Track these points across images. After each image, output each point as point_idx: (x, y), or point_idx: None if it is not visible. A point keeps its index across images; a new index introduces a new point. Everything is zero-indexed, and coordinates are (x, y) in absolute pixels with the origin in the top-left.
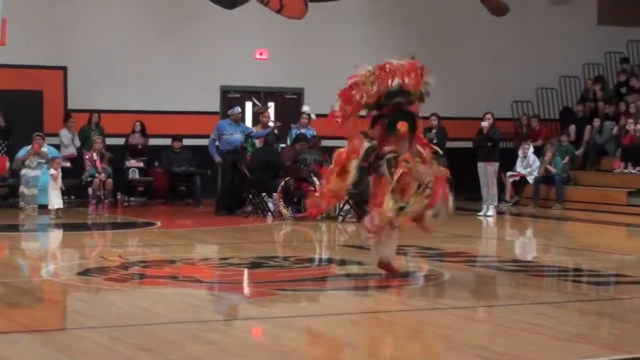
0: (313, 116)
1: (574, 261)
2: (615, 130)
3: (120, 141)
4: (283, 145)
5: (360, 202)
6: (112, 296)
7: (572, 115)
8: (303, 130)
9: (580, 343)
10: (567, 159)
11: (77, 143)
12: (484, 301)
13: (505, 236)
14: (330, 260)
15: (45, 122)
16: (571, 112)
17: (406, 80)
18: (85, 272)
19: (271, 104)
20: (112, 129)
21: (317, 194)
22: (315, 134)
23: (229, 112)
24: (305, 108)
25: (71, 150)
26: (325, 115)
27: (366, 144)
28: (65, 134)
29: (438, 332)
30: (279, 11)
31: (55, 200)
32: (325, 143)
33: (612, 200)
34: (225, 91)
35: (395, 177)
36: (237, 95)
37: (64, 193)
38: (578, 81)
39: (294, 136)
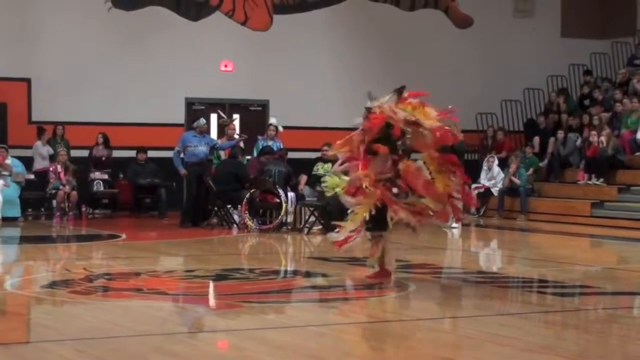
0: (280, 128)
1: (538, 272)
2: (579, 142)
3: (85, 153)
4: (249, 157)
5: (328, 214)
6: (77, 309)
7: (536, 127)
8: (270, 143)
9: (545, 354)
10: (531, 170)
11: (51, 151)
12: (449, 312)
13: (470, 248)
14: (295, 272)
15: (9, 135)
16: (535, 124)
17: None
18: (50, 285)
19: (236, 116)
20: (77, 140)
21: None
22: (282, 146)
23: (194, 124)
24: (273, 120)
25: (46, 163)
26: (291, 127)
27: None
28: (40, 146)
29: (404, 343)
30: (244, 23)
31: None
32: (292, 155)
33: (576, 211)
34: (190, 103)
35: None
36: (202, 107)
37: (29, 205)
38: (542, 93)
39: (260, 148)
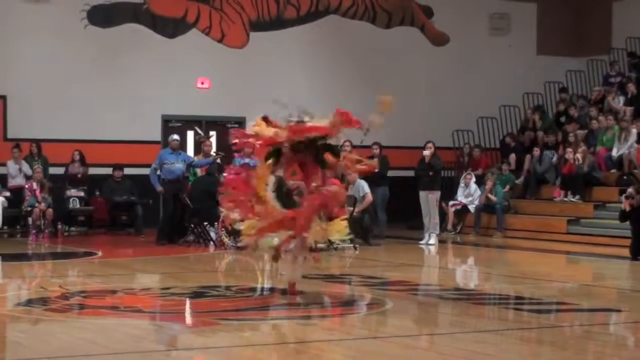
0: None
1: (515, 289)
2: (554, 159)
3: (61, 170)
4: (226, 174)
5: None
6: (53, 327)
7: (511, 145)
8: (247, 160)
9: None
10: (507, 187)
11: (29, 172)
12: (426, 330)
13: (447, 264)
14: (272, 289)
15: None
16: (510, 142)
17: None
18: (26, 303)
19: (213, 133)
20: (53, 158)
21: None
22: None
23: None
24: None
25: (18, 181)
26: None
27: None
28: (11, 165)
29: None
30: (220, 40)
31: None
32: None
33: (552, 228)
34: (166, 120)
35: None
36: (179, 125)
37: (4, 222)
38: (518, 110)
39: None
